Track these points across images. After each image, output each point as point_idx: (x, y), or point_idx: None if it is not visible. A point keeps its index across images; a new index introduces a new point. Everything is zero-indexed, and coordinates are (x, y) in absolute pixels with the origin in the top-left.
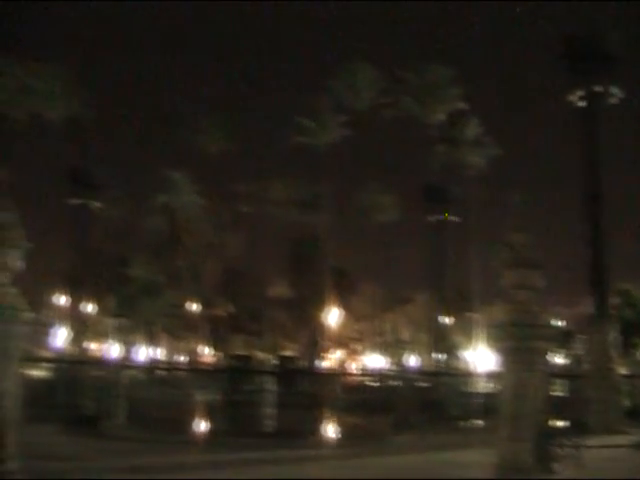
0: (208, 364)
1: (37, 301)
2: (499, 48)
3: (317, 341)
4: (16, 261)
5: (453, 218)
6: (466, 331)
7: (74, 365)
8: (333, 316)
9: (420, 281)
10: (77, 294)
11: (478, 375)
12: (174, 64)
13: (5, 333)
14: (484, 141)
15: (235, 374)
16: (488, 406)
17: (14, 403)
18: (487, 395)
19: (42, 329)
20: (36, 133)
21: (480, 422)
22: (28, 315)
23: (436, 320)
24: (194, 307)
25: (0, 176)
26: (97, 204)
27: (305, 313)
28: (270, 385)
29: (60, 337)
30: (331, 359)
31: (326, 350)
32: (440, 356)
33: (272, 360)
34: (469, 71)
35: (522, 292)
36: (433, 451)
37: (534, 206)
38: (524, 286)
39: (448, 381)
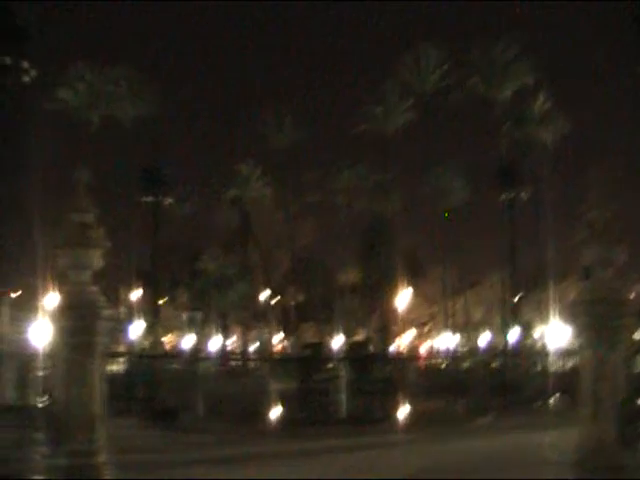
0: (281, 353)
1: (113, 297)
2: (569, 21)
3: (388, 325)
4: (96, 260)
5: (523, 195)
6: (540, 310)
7: (151, 359)
8: (404, 300)
9: (492, 261)
10: (151, 289)
11: (553, 354)
12: (241, 56)
13: (88, 329)
14: (555, 116)
15: (307, 362)
16: (564, 386)
17: (100, 397)
18: (562, 374)
19: (119, 324)
20: (109, 134)
21: (556, 402)
22: (108, 312)
23: (509, 300)
24: (266, 297)
25: (80, 177)
26: (169, 200)
27: (376, 298)
28: (343, 371)
29: (136, 332)
30: (403, 343)
31: (397, 334)
32: (513, 336)
33: (344, 346)
34: (538, 46)
35: (602, 268)
36: (512, 433)
37: (612, 179)
38: (605, 262)
39: (522, 361)
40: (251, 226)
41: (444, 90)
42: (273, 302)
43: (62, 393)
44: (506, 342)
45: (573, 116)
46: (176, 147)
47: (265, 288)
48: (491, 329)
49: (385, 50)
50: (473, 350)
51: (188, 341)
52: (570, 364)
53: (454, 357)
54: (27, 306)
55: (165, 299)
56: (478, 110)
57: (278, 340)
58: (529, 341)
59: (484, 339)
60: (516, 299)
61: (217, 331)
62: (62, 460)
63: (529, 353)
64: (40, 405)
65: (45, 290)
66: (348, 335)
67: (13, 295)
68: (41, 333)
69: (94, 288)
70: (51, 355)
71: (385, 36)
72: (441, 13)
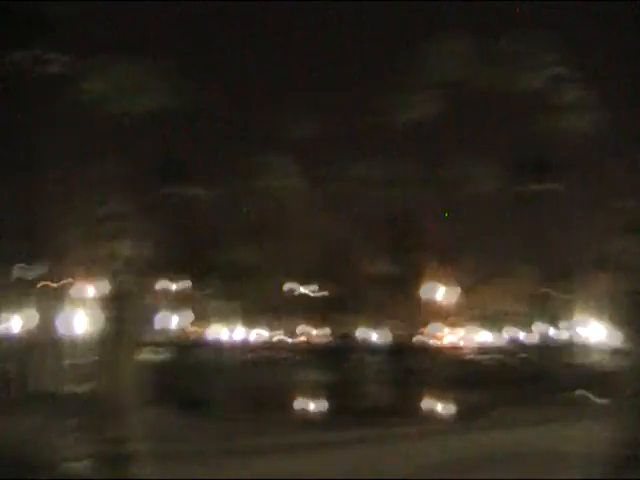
0: (310, 343)
1: (142, 287)
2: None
3: (418, 316)
4: (131, 249)
5: (553, 186)
6: (571, 302)
7: (181, 348)
8: (433, 291)
9: (522, 252)
10: (179, 279)
11: (585, 346)
12: (264, 47)
13: (122, 319)
14: (586, 105)
15: (338, 352)
16: (597, 378)
17: (133, 385)
18: (595, 366)
19: (150, 314)
20: (134, 126)
21: (588, 395)
22: (142, 301)
23: (539, 291)
24: (294, 288)
25: (112, 170)
26: (195, 191)
27: (405, 289)
28: (374, 362)
29: (166, 321)
30: (431, 334)
31: (427, 325)
32: (544, 328)
33: (374, 337)
34: (572, 33)
35: (634, 258)
36: (543, 425)
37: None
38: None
39: (554, 353)
40: (278, 217)
41: (470, 78)
42: (300, 293)
43: (96, 381)
44: (533, 335)
45: (611, 104)
46: (200, 138)
47: (292, 279)
48: (523, 320)
49: (404, 40)
50: (504, 341)
51: (218, 331)
52: (599, 358)
53: (485, 348)
54: (61, 295)
55: (193, 288)
56: (507, 99)
57: (305, 331)
58: (556, 334)
59: (511, 331)
60: (549, 290)
61: (247, 321)
62: (95, 447)
63: (556, 346)
64: (75, 392)
65: (77, 279)
66: (377, 327)
67: (61, 284)
68: (74, 321)
69: (129, 277)
70: (86, 343)
71: (408, 23)
72: (465, 2)
